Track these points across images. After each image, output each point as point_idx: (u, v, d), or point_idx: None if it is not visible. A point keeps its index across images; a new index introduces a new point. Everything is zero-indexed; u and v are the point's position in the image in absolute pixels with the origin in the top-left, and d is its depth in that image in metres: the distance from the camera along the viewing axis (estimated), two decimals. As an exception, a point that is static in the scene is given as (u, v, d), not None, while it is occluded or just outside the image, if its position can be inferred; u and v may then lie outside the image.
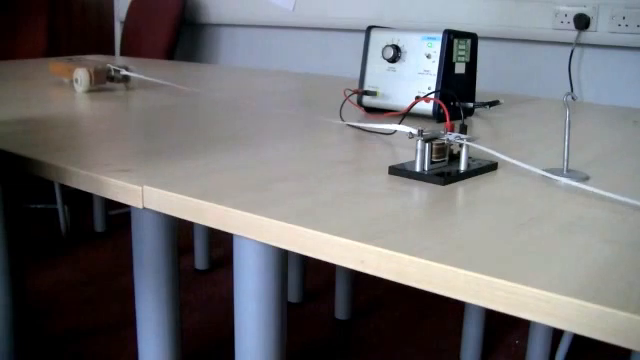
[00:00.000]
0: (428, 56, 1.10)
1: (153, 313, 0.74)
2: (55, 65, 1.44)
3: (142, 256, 0.72)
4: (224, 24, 2.67)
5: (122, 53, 2.71)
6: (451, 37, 1.09)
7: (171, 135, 0.92)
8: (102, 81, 1.34)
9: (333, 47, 2.38)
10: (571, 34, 1.84)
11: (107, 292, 1.85)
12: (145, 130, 0.96)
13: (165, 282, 0.73)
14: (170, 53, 2.56)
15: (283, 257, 0.63)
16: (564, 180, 0.69)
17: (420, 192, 0.65)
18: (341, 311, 1.73)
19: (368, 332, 1.67)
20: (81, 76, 1.32)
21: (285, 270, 0.64)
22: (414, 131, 0.70)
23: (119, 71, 1.35)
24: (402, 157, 0.78)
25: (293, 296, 1.81)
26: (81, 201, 2.39)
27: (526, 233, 0.53)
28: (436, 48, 1.09)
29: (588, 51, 1.87)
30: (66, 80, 1.42)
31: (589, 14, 1.80)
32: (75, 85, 1.34)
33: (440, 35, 1.08)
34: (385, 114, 1.08)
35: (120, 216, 2.38)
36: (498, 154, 0.74)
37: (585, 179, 0.71)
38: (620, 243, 0.51)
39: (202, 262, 2.04)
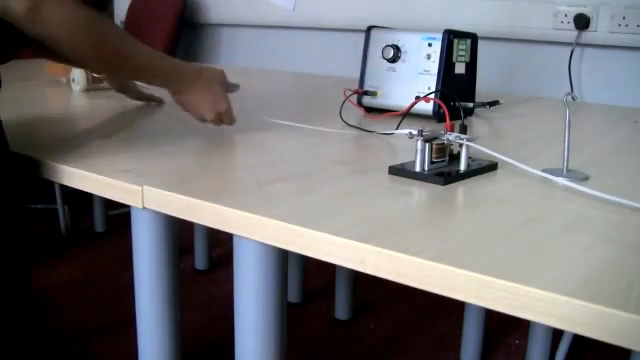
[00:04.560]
0: (428, 56, 1.10)
1: (153, 313, 0.74)
2: (52, 65, 1.43)
3: (142, 256, 0.72)
4: (224, 24, 2.67)
5: (122, 53, 2.71)
6: (451, 37, 1.08)
7: (170, 135, 0.92)
8: (99, 80, 1.34)
9: (333, 47, 2.38)
10: (571, 34, 1.84)
11: (107, 292, 1.85)
12: (144, 130, 0.96)
13: (165, 282, 0.73)
14: (170, 53, 2.56)
15: (283, 257, 0.63)
16: (564, 180, 0.69)
17: (420, 192, 0.65)
18: (341, 311, 1.73)
19: (368, 332, 1.67)
20: (78, 75, 1.32)
21: (285, 270, 0.64)
22: (414, 131, 0.70)
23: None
24: (402, 157, 0.78)
25: (293, 296, 1.81)
26: (81, 201, 2.39)
27: (526, 233, 0.53)
28: (436, 48, 1.09)
29: (588, 51, 1.87)
30: (63, 80, 1.42)
31: (589, 14, 1.80)
32: (72, 84, 1.34)
33: (440, 35, 1.08)
34: (385, 114, 1.08)
35: (120, 216, 2.37)
36: (498, 154, 0.74)
37: (585, 179, 0.71)
38: (620, 243, 0.51)
39: (202, 262, 2.04)
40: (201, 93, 0.84)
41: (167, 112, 1.08)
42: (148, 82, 0.84)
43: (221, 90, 0.88)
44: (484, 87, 1.36)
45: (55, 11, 0.65)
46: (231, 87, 0.92)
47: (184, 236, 2.24)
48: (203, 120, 0.88)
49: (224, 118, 0.88)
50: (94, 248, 2.21)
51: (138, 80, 0.97)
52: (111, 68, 0.84)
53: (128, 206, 0.67)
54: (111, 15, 2.93)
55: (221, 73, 0.89)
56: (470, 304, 1.49)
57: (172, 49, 2.58)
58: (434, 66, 1.09)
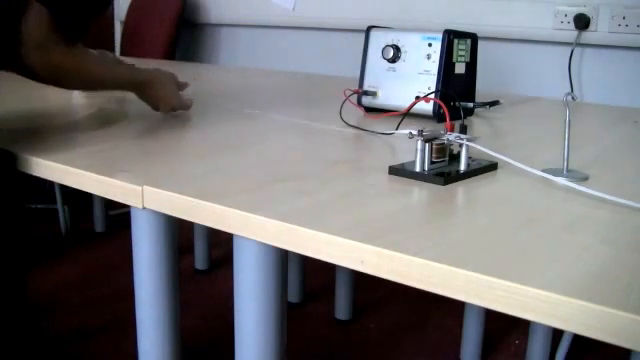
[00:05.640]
0: (428, 56, 1.10)
1: (153, 313, 0.74)
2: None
3: (142, 256, 0.72)
4: (224, 24, 2.67)
5: (122, 53, 2.71)
6: (451, 37, 1.08)
7: (170, 135, 0.92)
8: None
9: (333, 47, 2.38)
10: (571, 34, 1.84)
11: (107, 292, 1.85)
12: (143, 130, 0.96)
13: (165, 282, 0.73)
14: (170, 53, 2.56)
15: (283, 257, 0.63)
16: (564, 180, 0.69)
17: (420, 192, 0.65)
18: (341, 311, 1.73)
19: (368, 332, 1.67)
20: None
21: (285, 270, 0.64)
22: (414, 131, 0.70)
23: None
24: (402, 157, 0.78)
25: (293, 296, 1.81)
26: (81, 201, 2.39)
27: (526, 233, 0.53)
28: (436, 48, 1.09)
29: (588, 51, 1.87)
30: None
31: (589, 14, 1.80)
32: None
33: (440, 35, 1.08)
34: (385, 114, 1.08)
35: (120, 216, 2.37)
36: (498, 154, 0.74)
37: (585, 179, 0.71)
38: (620, 243, 0.51)
39: (202, 262, 2.04)
40: (156, 92, 1.03)
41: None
42: (114, 90, 1.06)
43: (173, 88, 1.06)
44: (484, 87, 1.36)
45: (56, 61, 0.83)
46: (182, 86, 1.10)
47: (184, 236, 2.24)
48: (158, 110, 1.06)
49: (177, 109, 1.07)
50: (94, 248, 2.21)
51: (106, 90, 1.22)
52: (89, 89, 1.19)
53: (128, 206, 0.67)
54: (111, 16, 2.93)
55: (171, 75, 1.07)
56: (470, 304, 1.49)
57: (172, 49, 2.58)
58: (434, 66, 1.09)
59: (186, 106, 1.07)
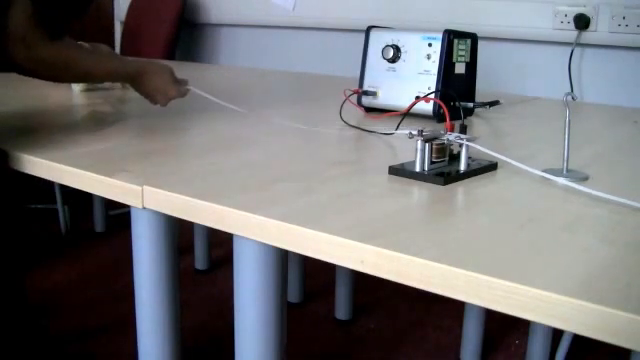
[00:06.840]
0: (428, 56, 1.09)
1: (153, 313, 0.74)
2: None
3: (142, 256, 0.72)
4: (224, 24, 2.67)
5: (122, 53, 2.71)
6: (451, 37, 1.08)
7: (170, 135, 0.92)
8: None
9: (333, 47, 2.38)
10: (571, 34, 1.84)
11: (107, 292, 1.85)
12: (144, 130, 0.96)
13: (165, 282, 0.73)
14: (170, 53, 2.56)
15: (283, 257, 0.63)
16: (564, 180, 0.69)
17: (420, 192, 0.65)
18: (341, 311, 1.73)
19: (368, 332, 1.67)
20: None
21: (285, 270, 0.64)
22: (414, 131, 0.70)
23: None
24: (402, 157, 0.78)
25: (293, 296, 1.81)
26: (81, 201, 2.39)
27: (526, 233, 0.53)
28: (436, 48, 1.09)
29: (588, 51, 1.87)
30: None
31: (589, 14, 1.80)
32: (72, 85, 1.34)
33: (440, 35, 1.08)
34: (385, 114, 1.08)
35: (120, 216, 2.37)
36: (498, 154, 0.74)
37: (585, 179, 0.71)
38: (620, 243, 0.51)
39: (202, 262, 2.04)
40: (151, 82, 1.01)
41: (165, 112, 1.08)
42: (112, 82, 1.10)
43: (168, 78, 1.03)
44: (484, 87, 1.36)
45: (41, 55, 0.82)
46: (182, 81, 1.07)
47: (184, 236, 2.24)
48: (156, 103, 1.04)
49: (175, 97, 1.04)
50: (94, 248, 2.21)
51: (100, 81, 1.24)
52: (81, 81, 1.24)
53: (128, 206, 0.67)
54: (111, 16, 2.93)
55: (167, 66, 1.04)
56: (470, 304, 1.49)
57: (172, 49, 2.58)
58: (434, 66, 1.09)
59: (182, 94, 1.05)
